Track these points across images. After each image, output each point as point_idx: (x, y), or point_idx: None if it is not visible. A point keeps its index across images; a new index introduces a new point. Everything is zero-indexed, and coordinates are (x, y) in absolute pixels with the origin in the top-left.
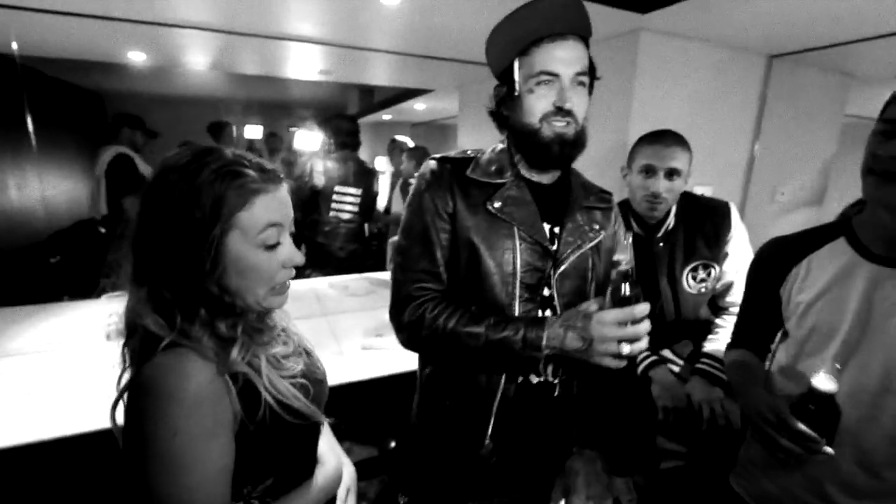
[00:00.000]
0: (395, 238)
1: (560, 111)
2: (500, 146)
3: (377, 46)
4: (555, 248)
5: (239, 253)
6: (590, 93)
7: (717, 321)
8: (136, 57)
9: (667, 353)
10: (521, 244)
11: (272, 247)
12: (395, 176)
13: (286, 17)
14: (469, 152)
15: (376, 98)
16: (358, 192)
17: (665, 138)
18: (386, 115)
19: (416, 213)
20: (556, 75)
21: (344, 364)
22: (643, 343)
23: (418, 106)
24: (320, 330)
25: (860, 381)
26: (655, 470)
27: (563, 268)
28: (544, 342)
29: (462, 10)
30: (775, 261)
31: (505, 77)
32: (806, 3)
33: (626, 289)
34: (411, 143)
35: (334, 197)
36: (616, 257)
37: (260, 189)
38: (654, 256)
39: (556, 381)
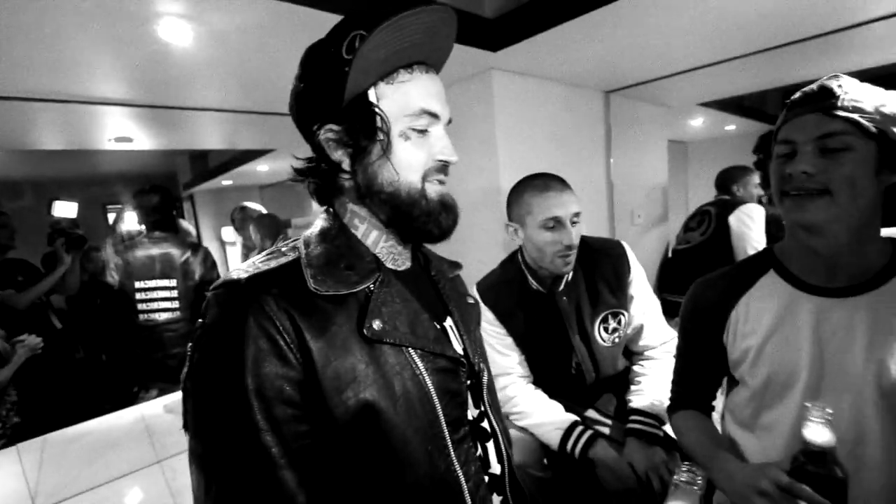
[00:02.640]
0: None
1: (443, 168)
2: (331, 225)
3: (188, 104)
4: (461, 350)
5: None
6: None
7: (636, 368)
8: None
9: (592, 413)
10: (426, 369)
11: None
12: (246, 249)
13: (54, 76)
14: (285, 248)
15: (211, 162)
16: (171, 283)
17: (554, 184)
18: (226, 181)
19: (226, 407)
20: (437, 117)
21: None
22: None
23: (261, 167)
24: (154, 489)
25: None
26: None
27: (485, 370)
28: None
29: (278, 57)
30: (710, 306)
31: (353, 113)
32: (626, 44)
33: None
34: (262, 209)
35: (137, 296)
36: (813, 437)
37: None
38: (560, 313)
39: None
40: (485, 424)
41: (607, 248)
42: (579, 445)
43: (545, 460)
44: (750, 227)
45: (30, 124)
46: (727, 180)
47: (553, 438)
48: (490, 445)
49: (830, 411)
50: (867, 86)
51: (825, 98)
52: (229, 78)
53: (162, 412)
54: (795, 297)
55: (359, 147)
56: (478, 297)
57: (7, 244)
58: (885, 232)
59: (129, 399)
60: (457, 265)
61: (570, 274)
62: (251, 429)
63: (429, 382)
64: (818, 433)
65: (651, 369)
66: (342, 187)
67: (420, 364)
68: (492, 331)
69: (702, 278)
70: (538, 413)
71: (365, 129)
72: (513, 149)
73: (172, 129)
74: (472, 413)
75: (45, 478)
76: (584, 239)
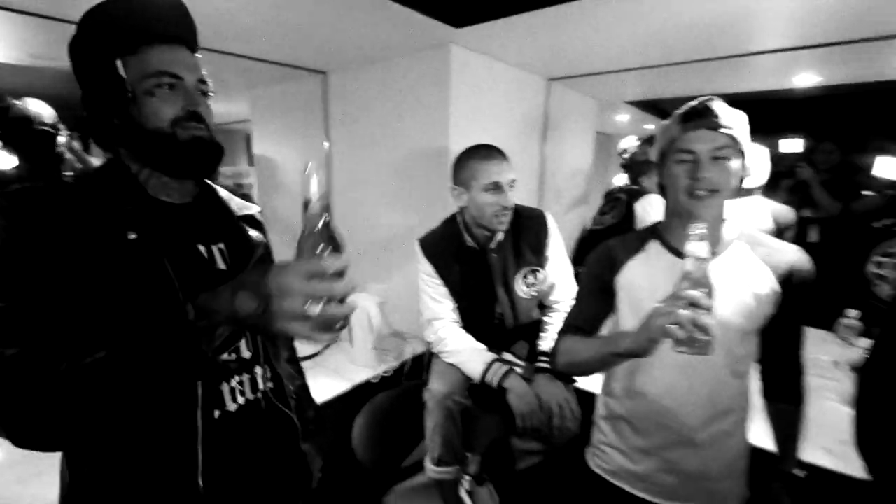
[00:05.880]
0: None
1: (193, 115)
2: (109, 161)
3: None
4: (226, 267)
5: None
6: None
7: (545, 319)
8: None
9: (508, 356)
10: (175, 272)
11: None
12: None
13: None
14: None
15: None
16: None
17: (496, 154)
18: None
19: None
20: (179, 78)
21: None
22: (344, 309)
23: None
24: None
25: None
26: (514, 471)
27: None
28: (217, 312)
29: None
30: (609, 258)
31: (106, 78)
32: (569, 38)
33: (318, 235)
34: None
35: None
36: (306, 196)
37: None
38: (489, 267)
39: (259, 394)
40: None
41: (533, 215)
42: (497, 377)
43: (467, 392)
44: (649, 213)
45: None
46: (637, 172)
47: (476, 371)
48: (242, 343)
49: (705, 228)
50: (728, 107)
51: (711, 117)
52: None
53: None
54: (673, 262)
55: (114, 103)
56: (418, 249)
57: None
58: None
59: None
60: (250, 206)
61: (501, 235)
62: (32, 275)
63: (176, 283)
64: (697, 247)
65: (558, 319)
66: (115, 137)
67: (172, 270)
68: (430, 281)
69: (607, 242)
70: (465, 351)
71: (116, 90)
72: (463, 118)
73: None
74: None
75: None
76: (514, 206)
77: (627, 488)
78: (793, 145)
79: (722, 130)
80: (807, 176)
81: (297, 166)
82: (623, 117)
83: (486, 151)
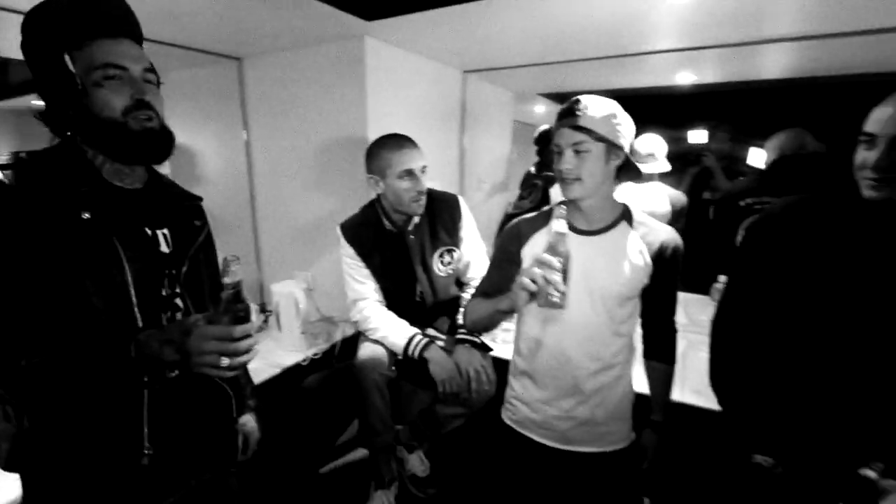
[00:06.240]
0: None
1: (142, 104)
2: (63, 146)
3: None
4: (169, 250)
5: None
6: None
7: (463, 295)
8: None
9: (430, 331)
10: (125, 253)
11: None
12: None
13: None
14: (23, 154)
15: (12, 77)
16: None
17: (407, 142)
18: (36, 101)
19: None
20: (124, 69)
21: None
22: (246, 357)
23: None
24: None
25: (567, 317)
26: (440, 435)
27: (185, 268)
28: (145, 355)
29: None
30: (519, 232)
31: (56, 72)
32: (479, 33)
33: (231, 307)
34: None
35: None
36: (225, 280)
37: None
38: (408, 248)
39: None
40: (178, 301)
41: (446, 198)
42: (418, 349)
43: (393, 367)
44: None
45: None
46: (550, 159)
47: (399, 345)
48: (179, 315)
49: (565, 210)
50: (600, 101)
51: (571, 116)
52: None
53: None
54: (569, 235)
55: (66, 95)
56: (340, 234)
57: None
58: (619, 198)
59: None
60: (195, 197)
61: (418, 218)
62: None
63: (124, 260)
64: (557, 224)
65: None
66: (70, 125)
67: (121, 248)
68: (352, 263)
69: (518, 219)
70: (387, 327)
71: (66, 82)
72: (380, 108)
73: None
74: (166, 290)
75: None
76: (429, 191)
77: (532, 436)
78: (699, 136)
79: (580, 127)
80: (710, 163)
81: (216, 154)
82: (541, 108)
83: (395, 141)
